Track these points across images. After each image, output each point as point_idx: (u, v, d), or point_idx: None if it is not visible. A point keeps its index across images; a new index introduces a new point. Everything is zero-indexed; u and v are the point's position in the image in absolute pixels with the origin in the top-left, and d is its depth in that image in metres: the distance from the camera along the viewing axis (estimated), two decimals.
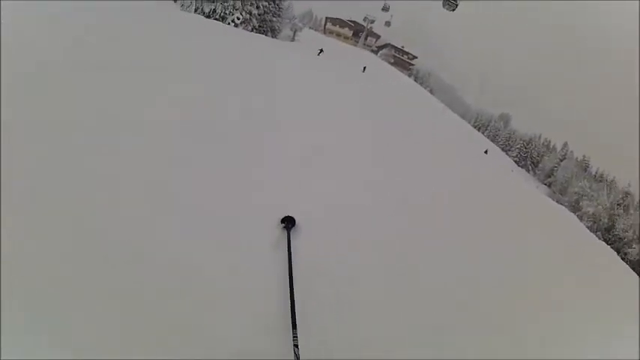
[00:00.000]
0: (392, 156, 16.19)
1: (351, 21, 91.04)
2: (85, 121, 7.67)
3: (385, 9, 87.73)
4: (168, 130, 8.88)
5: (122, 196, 6.70)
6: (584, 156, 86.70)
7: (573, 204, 67.10)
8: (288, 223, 6.79)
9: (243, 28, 46.38)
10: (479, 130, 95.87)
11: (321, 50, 49.97)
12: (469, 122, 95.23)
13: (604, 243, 38.27)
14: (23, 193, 6.24)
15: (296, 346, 4.66)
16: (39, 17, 11.42)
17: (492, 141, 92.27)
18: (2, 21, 8.74)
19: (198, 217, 6.68)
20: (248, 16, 47.29)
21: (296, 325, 4.98)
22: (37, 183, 6.47)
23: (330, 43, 75.25)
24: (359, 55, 74.58)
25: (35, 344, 4.59)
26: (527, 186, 41.77)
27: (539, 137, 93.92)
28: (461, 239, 10.84)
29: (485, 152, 55.32)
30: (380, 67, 74.91)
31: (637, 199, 64.80)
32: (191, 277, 5.57)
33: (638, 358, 7.48)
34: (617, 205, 62.43)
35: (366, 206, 9.53)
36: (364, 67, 52.24)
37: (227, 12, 45.84)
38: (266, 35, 50.27)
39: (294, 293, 5.54)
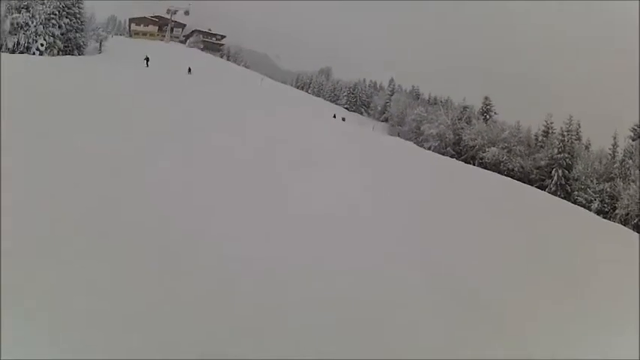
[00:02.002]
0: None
1: (154, 17, 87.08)
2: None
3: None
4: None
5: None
6: (412, 86, 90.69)
7: (415, 130, 70.53)
8: None
9: (49, 54, 42.74)
10: (302, 88, 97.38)
11: (147, 59, 49.04)
12: (292, 85, 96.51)
13: (453, 159, 40.83)
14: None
15: None
16: None
17: (318, 95, 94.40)
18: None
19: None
20: (52, 39, 43.41)
21: None
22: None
23: (138, 45, 71.97)
24: (170, 51, 71.98)
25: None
26: (363, 129, 45.17)
27: (364, 80, 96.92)
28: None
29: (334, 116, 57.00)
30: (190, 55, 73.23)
31: (477, 110, 69.35)
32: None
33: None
34: (458, 119, 66.22)
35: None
36: (189, 69, 52.32)
37: (30, 41, 41.45)
38: (73, 54, 46.80)
39: None
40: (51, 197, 8.92)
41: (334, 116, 60.26)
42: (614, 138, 51.40)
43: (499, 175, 42.16)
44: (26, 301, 5.61)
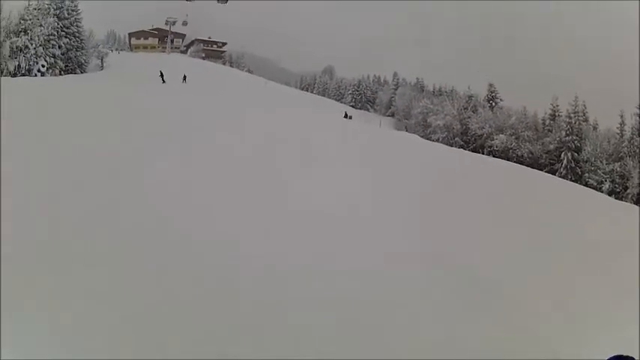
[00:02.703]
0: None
1: (154, 29, 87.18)
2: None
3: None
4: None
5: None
6: (417, 78, 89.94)
7: (421, 122, 70.29)
8: None
9: (51, 74, 43.14)
10: (306, 90, 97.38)
11: (162, 76, 47.62)
12: (296, 86, 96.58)
13: (461, 149, 40.53)
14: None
15: None
16: None
17: (323, 95, 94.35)
18: None
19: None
20: (52, 59, 43.83)
21: None
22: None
23: (139, 58, 72.50)
24: (171, 62, 72.21)
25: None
26: (368, 125, 45.18)
27: (368, 76, 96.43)
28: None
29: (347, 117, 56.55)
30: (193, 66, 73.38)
31: (482, 97, 68.95)
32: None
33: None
34: (464, 109, 65.87)
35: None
36: (184, 77, 50.80)
37: (31, 63, 41.79)
38: (75, 73, 47.27)
39: None
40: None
41: (345, 115, 59.95)
42: (621, 116, 50.77)
43: (506, 162, 42.04)
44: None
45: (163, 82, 45.80)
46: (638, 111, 48.72)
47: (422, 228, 12.74)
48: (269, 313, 7.12)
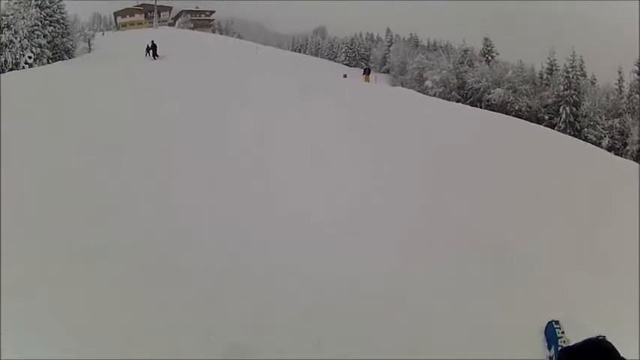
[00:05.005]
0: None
1: (138, 5, 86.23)
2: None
3: None
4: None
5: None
6: (411, 34, 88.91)
7: (417, 78, 69.69)
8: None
9: (39, 65, 42.54)
10: (299, 51, 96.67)
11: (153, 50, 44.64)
12: (288, 48, 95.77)
13: (459, 103, 39.71)
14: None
15: None
16: None
17: (316, 55, 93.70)
18: None
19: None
20: (39, 49, 43.17)
21: None
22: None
23: (126, 36, 71.49)
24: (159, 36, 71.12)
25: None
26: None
27: (361, 34, 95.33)
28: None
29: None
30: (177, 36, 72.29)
31: (478, 52, 68.14)
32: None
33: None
34: (460, 63, 65.18)
35: None
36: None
37: (18, 56, 41.21)
38: (63, 59, 46.76)
39: None
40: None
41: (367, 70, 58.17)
42: (620, 72, 50.72)
43: (505, 115, 41.58)
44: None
45: (154, 58, 43.29)
46: (636, 68, 48.31)
47: (442, 200, 12.34)
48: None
